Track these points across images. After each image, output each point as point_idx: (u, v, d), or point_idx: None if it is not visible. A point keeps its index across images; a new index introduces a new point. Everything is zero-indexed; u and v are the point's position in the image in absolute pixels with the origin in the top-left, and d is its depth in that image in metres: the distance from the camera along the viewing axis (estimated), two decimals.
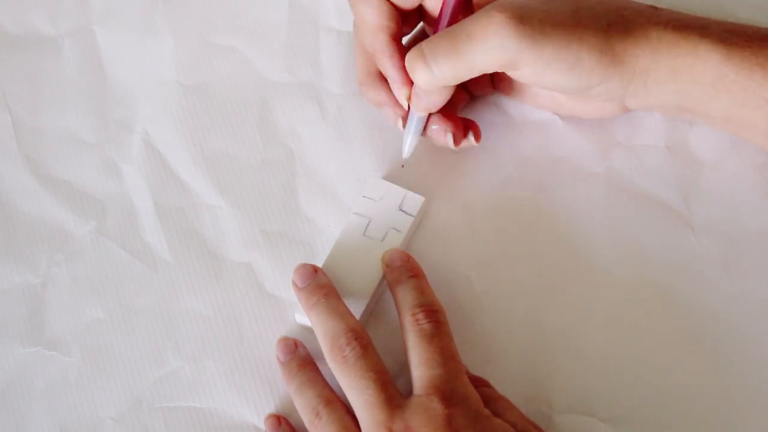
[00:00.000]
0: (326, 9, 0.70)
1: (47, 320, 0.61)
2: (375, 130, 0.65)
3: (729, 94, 0.54)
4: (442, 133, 0.59)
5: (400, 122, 0.60)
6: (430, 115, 0.59)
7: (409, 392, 0.52)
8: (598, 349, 0.57)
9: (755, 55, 0.53)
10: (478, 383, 0.54)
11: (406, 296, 0.55)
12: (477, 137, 0.60)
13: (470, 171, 0.62)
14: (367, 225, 0.60)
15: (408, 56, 0.55)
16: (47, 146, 0.67)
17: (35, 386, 0.60)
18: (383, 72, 0.59)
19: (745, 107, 0.55)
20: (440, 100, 0.57)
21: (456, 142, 0.59)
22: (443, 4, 0.57)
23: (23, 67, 0.70)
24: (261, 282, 0.61)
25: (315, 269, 0.58)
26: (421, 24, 0.62)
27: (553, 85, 0.56)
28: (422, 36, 0.62)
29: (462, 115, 0.62)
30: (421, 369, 0.52)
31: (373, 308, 0.59)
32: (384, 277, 0.58)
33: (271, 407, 0.57)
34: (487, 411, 0.51)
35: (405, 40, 0.61)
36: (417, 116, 0.59)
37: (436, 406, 0.50)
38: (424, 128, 0.59)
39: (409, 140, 0.59)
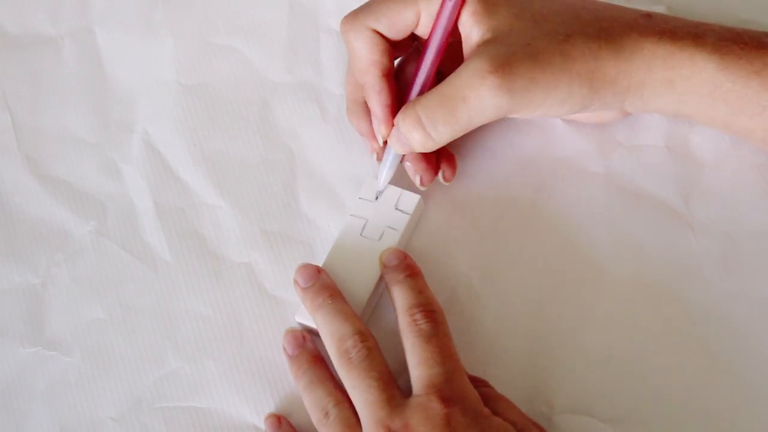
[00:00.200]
0: (326, 9, 0.70)
1: (47, 320, 0.61)
2: None
3: (726, 103, 0.54)
4: (411, 172, 0.60)
5: (376, 156, 0.61)
6: None
7: (409, 392, 0.52)
8: (598, 349, 0.57)
9: (751, 63, 0.53)
10: (478, 383, 0.54)
11: (403, 296, 0.55)
12: (448, 177, 0.61)
13: (470, 171, 0.62)
14: (364, 225, 0.60)
15: (404, 121, 0.56)
16: (47, 146, 0.67)
17: (35, 386, 0.60)
18: (369, 106, 0.59)
19: (742, 115, 0.55)
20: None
21: (422, 183, 0.60)
22: (421, 58, 0.58)
23: (23, 67, 0.70)
24: (261, 282, 0.61)
25: (318, 269, 0.58)
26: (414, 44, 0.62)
27: (547, 116, 0.57)
28: (415, 54, 0.62)
29: None
30: (419, 369, 0.52)
31: (373, 308, 0.59)
32: (382, 276, 0.58)
33: (271, 407, 0.57)
34: (486, 410, 0.51)
35: (397, 61, 0.62)
36: (393, 153, 0.59)
37: (435, 406, 0.50)
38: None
39: (384, 173, 0.60)
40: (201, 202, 0.64)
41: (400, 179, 0.61)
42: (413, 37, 0.60)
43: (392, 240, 0.59)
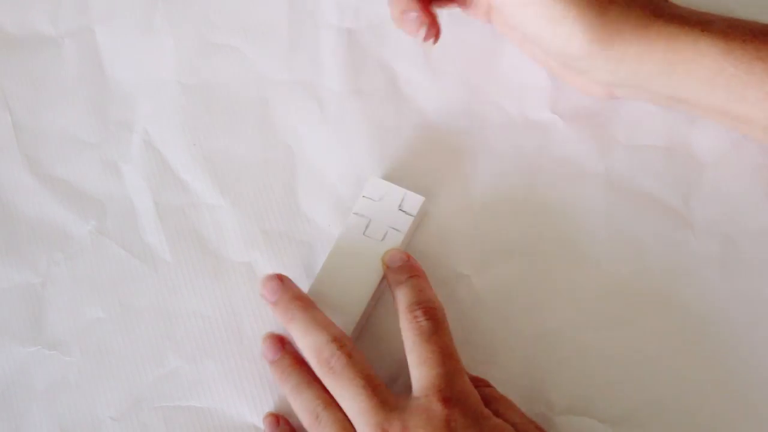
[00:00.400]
0: (326, 7, 0.70)
1: (47, 320, 0.61)
2: (375, 129, 0.65)
3: (727, 89, 0.54)
4: (417, 24, 0.59)
5: (423, 30, 0.59)
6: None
7: (409, 393, 0.52)
8: (598, 350, 0.57)
9: (757, 50, 0.53)
10: (479, 383, 0.54)
11: (405, 296, 0.55)
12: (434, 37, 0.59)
13: (470, 171, 0.62)
14: (367, 225, 0.60)
15: None
16: (47, 146, 0.67)
17: (35, 386, 0.60)
18: None
19: (744, 102, 0.54)
20: None
21: (427, 37, 0.59)
22: None
23: (23, 67, 0.70)
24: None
25: (281, 278, 0.57)
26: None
27: (531, 30, 0.56)
28: None
29: (460, 108, 0.62)
30: (420, 369, 0.52)
31: (374, 309, 0.59)
32: (384, 277, 0.58)
33: (270, 407, 0.57)
34: (487, 411, 0.51)
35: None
36: None
37: (436, 407, 0.50)
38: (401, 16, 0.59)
39: None
40: (201, 202, 0.64)
41: (403, 180, 0.61)
42: None
43: (395, 241, 0.59)
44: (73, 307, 0.62)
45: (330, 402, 0.53)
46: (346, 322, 0.57)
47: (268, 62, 0.68)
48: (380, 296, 0.59)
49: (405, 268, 0.56)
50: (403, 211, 0.60)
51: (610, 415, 0.55)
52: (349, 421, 0.52)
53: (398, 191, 0.61)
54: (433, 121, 0.64)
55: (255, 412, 0.57)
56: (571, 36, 0.54)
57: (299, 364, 0.56)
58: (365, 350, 0.56)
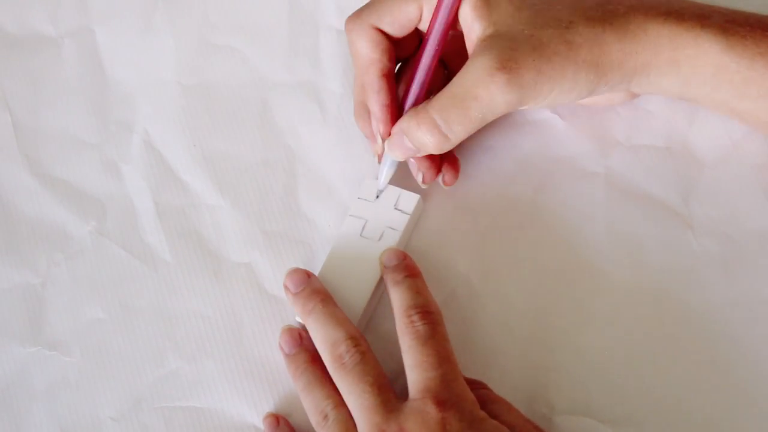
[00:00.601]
0: (326, 8, 0.70)
1: (47, 320, 0.61)
2: None
3: (730, 85, 0.54)
4: (414, 169, 0.60)
5: (377, 157, 0.60)
6: None
7: (406, 396, 0.52)
8: (598, 350, 0.57)
9: (756, 45, 0.53)
10: (475, 386, 0.54)
11: (401, 297, 0.55)
12: (448, 180, 0.61)
13: (470, 170, 0.62)
14: (364, 226, 0.60)
15: (419, 125, 0.55)
16: (47, 146, 0.67)
17: (35, 386, 0.60)
18: (368, 106, 0.59)
19: (746, 97, 0.54)
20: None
21: (424, 181, 0.60)
22: (418, 58, 0.58)
23: (23, 67, 0.70)
24: (261, 282, 0.61)
25: (308, 274, 0.58)
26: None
27: (556, 104, 0.58)
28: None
29: None
30: (416, 372, 0.52)
31: (374, 310, 0.59)
32: (382, 277, 0.58)
33: (270, 407, 0.57)
34: (482, 413, 0.51)
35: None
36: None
37: (431, 410, 0.50)
38: None
39: (384, 173, 0.60)
40: (201, 202, 0.64)
41: (400, 179, 0.61)
42: (417, 37, 0.60)
43: (392, 240, 0.59)
44: (73, 308, 0.61)
45: (339, 402, 0.53)
46: None
47: (268, 63, 0.68)
48: (380, 297, 0.59)
49: (401, 267, 0.56)
50: (399, 210, 0.60)
51: (610, 415, 0.55)
52: (354, 423, 0.52)
53: (393, 191, 0.61)
54: None
55: (255, 412, 0.57)
56: (588, 85, 0.55)
57: (314, 361, 0.56)
58: None
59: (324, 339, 0.54)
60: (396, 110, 0.58)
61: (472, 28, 0.55)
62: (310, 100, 0.67)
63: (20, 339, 0.61)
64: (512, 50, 0.53)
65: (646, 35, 0.54)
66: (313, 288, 0.57)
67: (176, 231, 0.63)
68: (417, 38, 0.60)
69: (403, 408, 0.51)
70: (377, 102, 0.58)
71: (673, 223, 0.59)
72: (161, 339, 0.60)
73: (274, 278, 0.61)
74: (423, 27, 0.58)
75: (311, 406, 0.54)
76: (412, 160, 0.60)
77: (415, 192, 0.61)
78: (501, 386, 0.55)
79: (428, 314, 0.54)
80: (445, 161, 0.60)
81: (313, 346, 0.57)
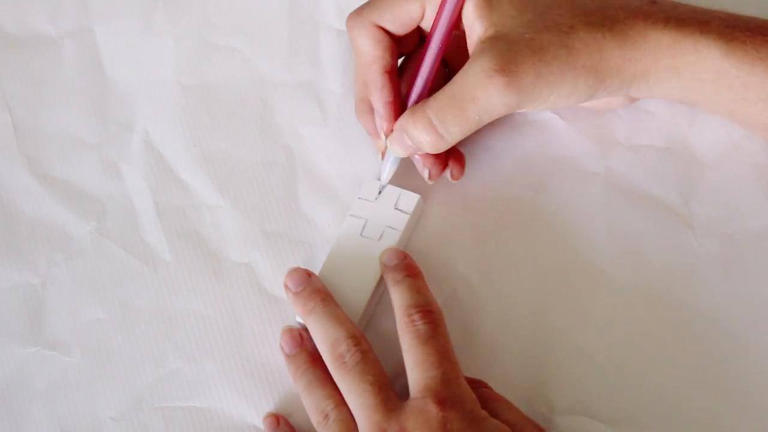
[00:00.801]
0: (326, 8, 0.70)
1: (47, 320, 0.61)
2: None
3: (731, 90, 0.54)
4: (420, 165, 0.60)
5: (381, 154, 0.60)
6: None
7: (407, 395, 0.52)
8: (597, 350, 0.57)
9: (756, 50, 0.53)
10: (476, 385, 0.54)
11: (401, 296, 0.55)
12: (456, 175, 0.61)
13: (470, 170, 0.62)
14: (364, 225, 0.60)
15: (415, 124, 0.56)
16: (47, 146, 0.67)
17: (35, 386, 0.60)
18: (372, 102, 0.59)
19: (746, 102, 0.54)
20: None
21: (430, 177, 0.60)
22: (421, 61, 0.58)
23: (23, 67, 0.70)
24: (261, 282, 0.61)
25: (309, 273, 0.58)
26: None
27: (554, 107, 0.57)
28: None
29: None
30: (416, 371, 0.52)
31: (374, 308, 0.59)
32: (382, 277, 0.58)
33: (270, 407, 0.57)
34: (483, 413, 0.51)
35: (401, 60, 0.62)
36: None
37: (431, 409, 0.50)
38: None
39: (387, 169, 0.60)
40: (201, 202, 0.64)
41: (400, 179, 0.61)
42: (419, 33, 0.60)
43: (392, 240, 0.59)
44: (73, 308, 0.61)
45: (340, 402, 0.53)
46: None
47: (268, 63, 0.68)
48: (380, 296, 0.59)
49: (401, 267, 0.56)
50: (399, 210, 0.60)
51: (610, 415, 0.55)
52: (354, 423, 0.52)
53: (394, 190, 0.61)
54: None
55: (255, 412, 0.57)
56: (587, 90, 0.55)
57: (315, 361, 0.56)
58: None
59: (324, 338, 0.54)
60: (399, 107, 0.58)
61: (474, 27, 0.55)
62: (310, 101, 0.67)
63: (20, 339, 0.61)
64: (512, 53, 0.53)
65: (645, 42, 0.54)
66: (314, 287, 0.57)
67: (176, 231, 0.63)
68: (418, 35, 0.60)
69: (404, 407, 0.51)
70: (380, 99, 0.58)
71: (673, 223, 0.59)
72: (161, 339, 0.60)
73: (274, 278, 0.61)
74: (424, 25, 0.58)
75: (312, 405, 0.54)
76: (417, 157, 0.60)
77: (415, 192, 0.60)
78: (501, 385, 0.55)
79: (429, 313, 0.54)
80: (450, 157, 0.60)
81: (314, 346, 0.57)
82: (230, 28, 0.70)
